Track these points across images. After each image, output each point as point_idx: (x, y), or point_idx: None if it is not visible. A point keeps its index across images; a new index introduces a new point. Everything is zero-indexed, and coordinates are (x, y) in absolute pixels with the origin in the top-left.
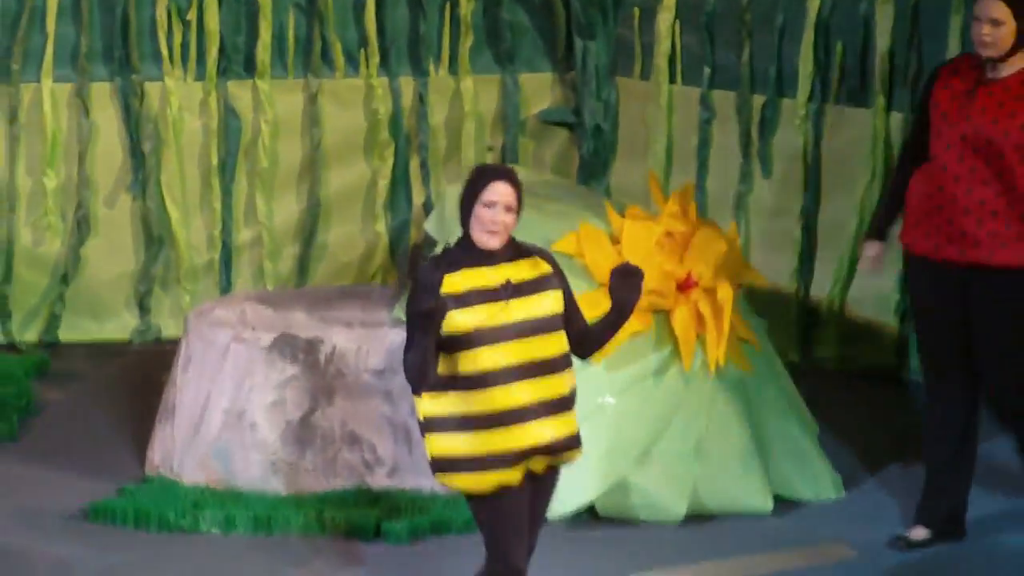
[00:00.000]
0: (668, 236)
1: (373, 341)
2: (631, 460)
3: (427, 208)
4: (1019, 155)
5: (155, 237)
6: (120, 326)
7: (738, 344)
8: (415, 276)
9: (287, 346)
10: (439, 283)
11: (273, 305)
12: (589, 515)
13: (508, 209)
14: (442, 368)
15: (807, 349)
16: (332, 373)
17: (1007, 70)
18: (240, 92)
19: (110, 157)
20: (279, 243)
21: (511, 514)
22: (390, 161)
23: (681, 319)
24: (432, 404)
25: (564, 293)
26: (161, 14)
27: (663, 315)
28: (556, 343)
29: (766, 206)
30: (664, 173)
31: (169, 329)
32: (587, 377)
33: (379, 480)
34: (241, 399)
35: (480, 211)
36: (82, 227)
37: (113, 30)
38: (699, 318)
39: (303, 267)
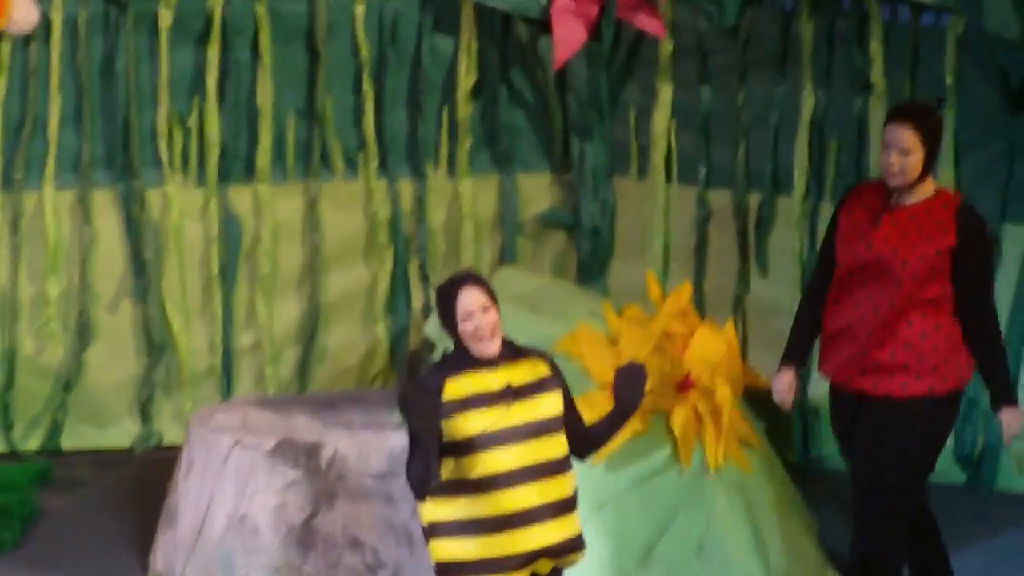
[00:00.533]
0: (666, 336)
1: (374, 445)
2: (634, 561)
3: (426, 311)
4: (917, 286)
5: (156, 343)
6: (122, 433)
7: (737, 444)
8: (415, 384)
9: (289, 450)
10: (440, 389)
11: (274, 409)
12: None
13: (486, 310)
14: (447, 473)
15: (806, 448)
16: (333, 477)
17: (912, 198)
18: (240, 197)
19: (111, 264)
20: (280, 347)
21: None
22: (389, 264)
23: (680, 419)
24: (437, 509)
25: (564, 393)
26: (162, 120)
27: (662, 416)
28: (558, 444)
29: (764, 305)
30: (662, 273)
31: (171, 435)
32: (588, 478)
33: None
34: (243, 504)
35: (464, 327)
36: (84, 334)
37: (114, 137)
38: (698, 418)
39: (304, 371)
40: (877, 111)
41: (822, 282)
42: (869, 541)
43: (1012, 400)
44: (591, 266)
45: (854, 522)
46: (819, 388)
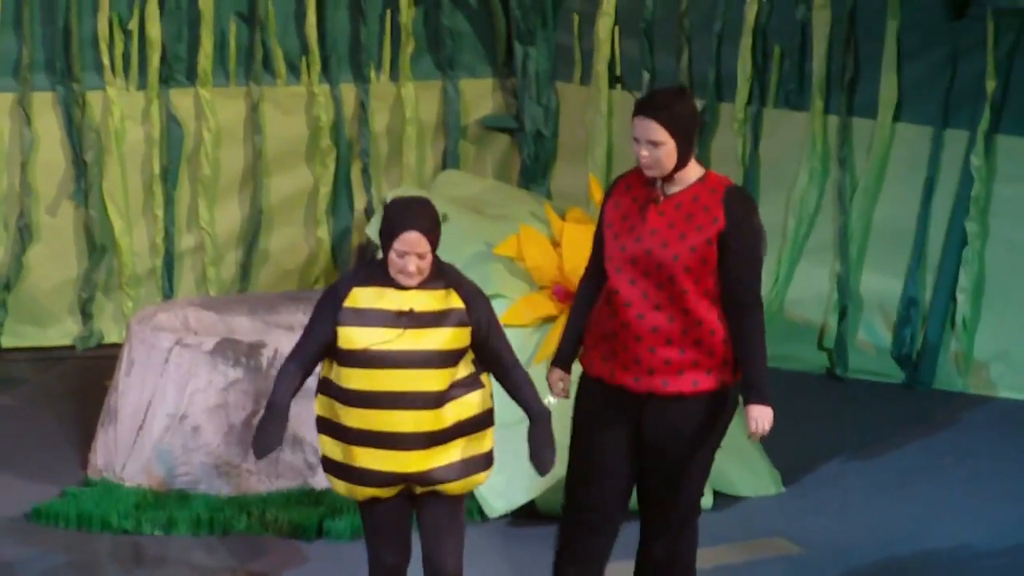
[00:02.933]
0: None
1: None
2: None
3: (368, 213)
4: (691, 279)
5: (97, 244)
6: (63, 332)
7: None
8: (331, 285)
9: (229, 350)
10: (345, 296)
11: (216, 310)
12: (530, 513)
13: (420, 256)
14: (330, 374)
15: None
16: (274, 377)
17: (677, 187)
18: (182, 101)
19: (52, 166)
20: (221, 249)
21: (381, 525)
22: (332, 167)
23: None
24: (319, 404)
25: (475, 328)
26: (103, 24)
27: None
28: (442, 378)
29: None
30: (604, 177)
31: (112, 335)
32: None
33: (321, 481)
34: (184, 403)
35: (393, 258)
36: (24, 235)
37: (55, 40)
38: None
39: (246, 273)
40: (821, 17)
41: (593, 279)
42: (669, 545)
43: (766, 399)
44: (534, 170)
45: (649, 530)
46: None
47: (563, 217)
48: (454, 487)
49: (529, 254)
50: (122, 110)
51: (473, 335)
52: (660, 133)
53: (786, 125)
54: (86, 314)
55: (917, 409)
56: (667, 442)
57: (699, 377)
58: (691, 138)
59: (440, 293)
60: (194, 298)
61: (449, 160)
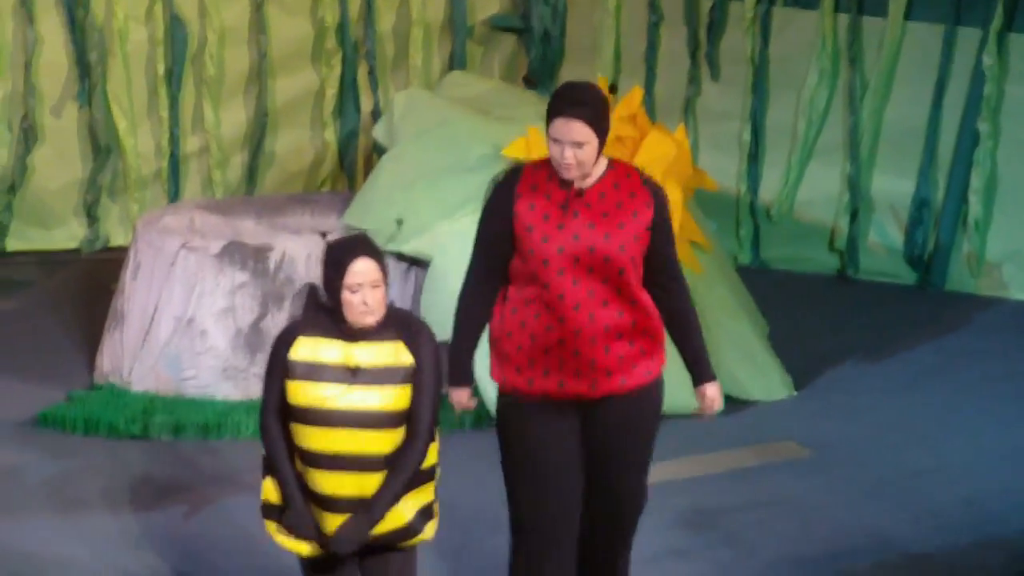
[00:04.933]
0: (617, 140)
1: (322, 247)
2: None
3: (375, 115)
4: (634, 266)
5: (102, 146)
6: (68, 235)
7: (688, 246)
8: (281, 331)
9: (236, 253)
10: (290, 344)
11: (222, 213)
12: None
13: (375, 286)
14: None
15: (756, 250)
16: (281, 280)
17: (592, 178)
18: (185, 0)
19: (56, 66)
20: (227, 152)
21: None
22: (338, 69)
23: None
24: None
25: (418, 392)
26: None
27: None
28: (388, 440)
29: (714, 109)
30: (613, 77)
31: (118, 237)
32: None
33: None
34: (191, 306)
35: (347, 297)
36: (29, 136)
37: None
38: None
39: (252, 175)
40: None
41: (485, 283)
42: (624, 551)
43: (714, 375)
44: (541, 70)
45: (600, 529)
46: (770, 190)
47: None
48: (404, 544)
49: (537, 156)
50: (125, 10)
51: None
52: (585, 132)
53: (796, 24)
54: (92, 217)
55: (929, 311)
56: (627, 437)
57: (649, 366)
58: (608, 131)
59: (390, 346)
60: (200, 200)
61: (456, 61)
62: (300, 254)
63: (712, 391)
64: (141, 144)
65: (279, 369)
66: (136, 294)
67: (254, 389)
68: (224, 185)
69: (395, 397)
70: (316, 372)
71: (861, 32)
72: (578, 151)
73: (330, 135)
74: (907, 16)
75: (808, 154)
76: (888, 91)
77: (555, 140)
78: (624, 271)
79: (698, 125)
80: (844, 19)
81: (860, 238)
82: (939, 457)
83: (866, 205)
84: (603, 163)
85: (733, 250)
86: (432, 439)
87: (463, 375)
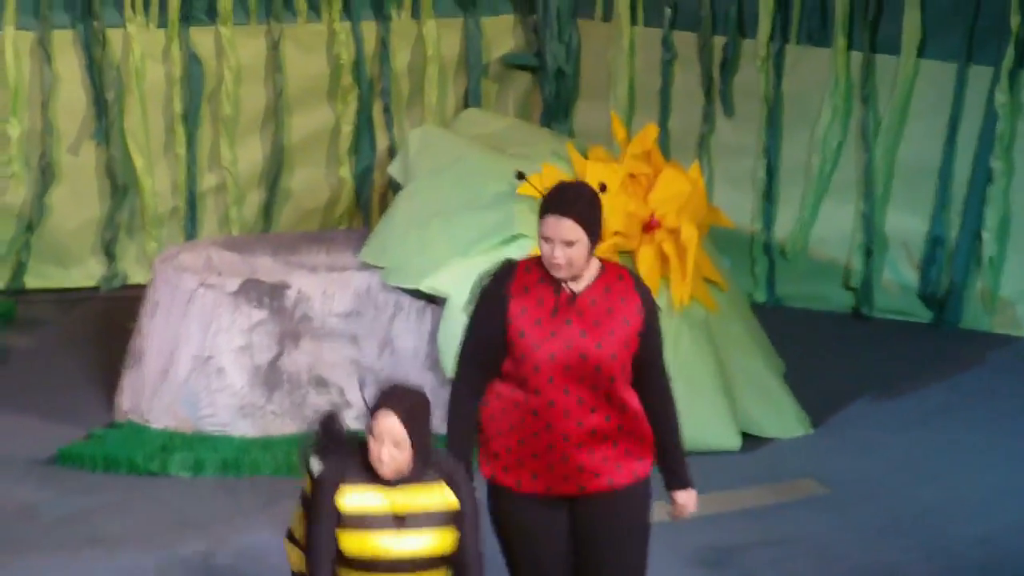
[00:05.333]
0: (632, 177)
1: (339, 285)
2: None
3: (391, 153)
4: (623, 373)
5: (120, 184)
6: (86, 273)
7: (703, 284)
8: (320, 476)
9: (253, 291)
10: (336, 488)
11: (239, 250)
12: None
13: (396, 445)
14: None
15: (772, 288)
16: (298, 317)
17: (584, 282)
18: (202, 39)
19: (73, 105)
20: (244, 189)
21: None
22: (353, 106)
23: (645, 259)
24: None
25: (462, 535)
26: None
27: (628, 256)
28: None
29: (728, 146)
30: (627, 114)
31: (135, 276)
32: None
33: (348, 423)
34: (208, 344)
35: (370, 441)
36: (46, 175)
37: None
38: (663, 258)
39: (268, 213)
40: None
41: (480, 370)
42: None
43: (690, 482)
44: (555, 108)
45: None
46: (785, 227)
47: (585, 155)
48: None
49: None
50: (142, 48)
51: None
52: (575, 231)
53: (809, 61)
54: (109, 255)
55: (943, 348)
56: (615, 535)
57: (636, 467)
58: (600, 232)
59: (431, 488)
60: (217, 238)
61: (470, 98)
62: (316, 291)
63: (684, 498)
64: (158, 182)
65: (329, 517)
66: (154, 332)
67: (271, 427)
68: (240, 222)
69: (441, 539)
70: (367, 522)
71: (874, 70)
72: (568, 250)
73: (345, 172)
74: (920, 54)
75: (822, 192)
76: (901, 128)
77: (545, 239)
78: (614, 379)
79: (712, 162)
80: (857, 57)
81: (874, 276)
82: (953, 494)
83: (880, 243)
84: (595, 265)
85: (748, 288)
86: (483, 573)
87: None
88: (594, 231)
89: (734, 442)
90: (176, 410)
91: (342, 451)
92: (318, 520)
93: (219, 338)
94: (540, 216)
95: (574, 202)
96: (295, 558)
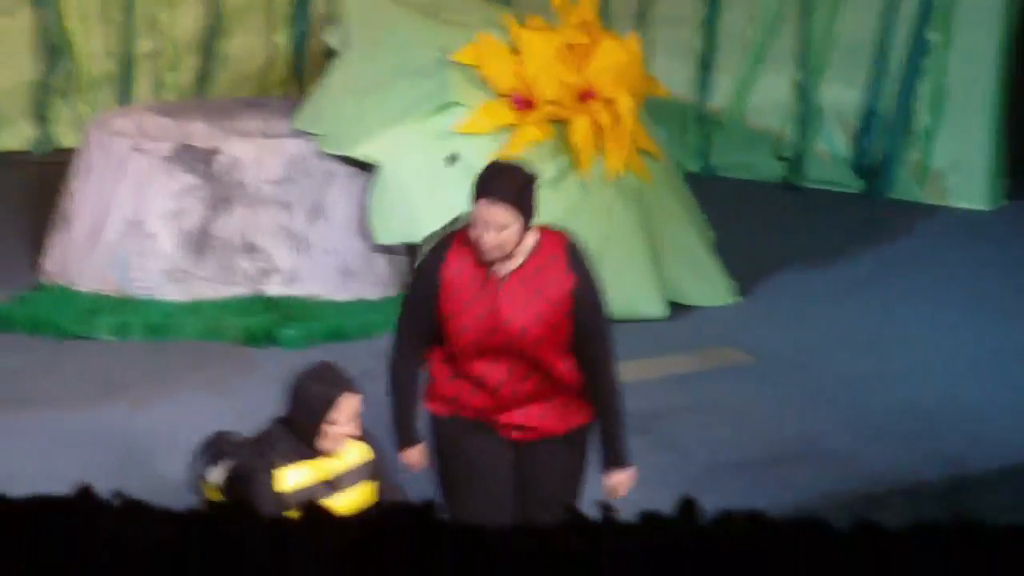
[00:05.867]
0: (569, 47)
1: (272, 151)
2: None
3: (327, 19)
4: (552, 348)
5: (54, 47)
6: (19, 136)
7: (638, 154)
8: (247, 472)
9: (186, 156)
10: (271, 479)
11: (172, 116)
12: None
13: (353, 418)
14: None
15: (706, 158)
16: (231, 183)
17: (515, 261)
18: None
19: None
20: (180, 54)
21: None
22: None
23: (580, 129)
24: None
25: (381, 481)
26: None
27: (562, 125)
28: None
29: (667, 16)
30: None
31: (68, 139)
32: None
33: (275, 288)
34: (139, 209)
35: (326, 428)
36: None
37: None
38: (598, 128)
39: (203, 78)
40: None
41: (418, 344)
42: None
43: (626, 462)
44: None
45: None
46: (722, 97)
47: (522, 25)
48: None
49: (487, 62)
50: None
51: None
52: (506, 216)
53: None
54: (42, 118)
55: (874, 219)
56: (556, 476)
57: (573, 418)
58: (533, 212)
59: (354, 447)
60: (151, 103)
61: None
62: (249, 157)
63: (618, 478)
64: (93, 46)
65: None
66: (85, 196)
67: (200, 291)
68: (176, 88)
69: (368, 493)
70: (307, 494)
71: None
72: (499, 234)
73: (282, 39)
74: None
75: (759, 62)
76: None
77: (478, 222)
78: (540, 355)
79: (651, 32)
80: None
81: (808, 147)
82: (879, 364)
83: (815, 114)
84: (530, 241)
85: (682, 157)
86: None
87: (410, 436)
88: (527, 213)
89: (662, 310)
90: (105, 274)
91: (244, 450)
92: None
93: (150, 203)
94: (473, 198)
95: (506, 186)
96: None
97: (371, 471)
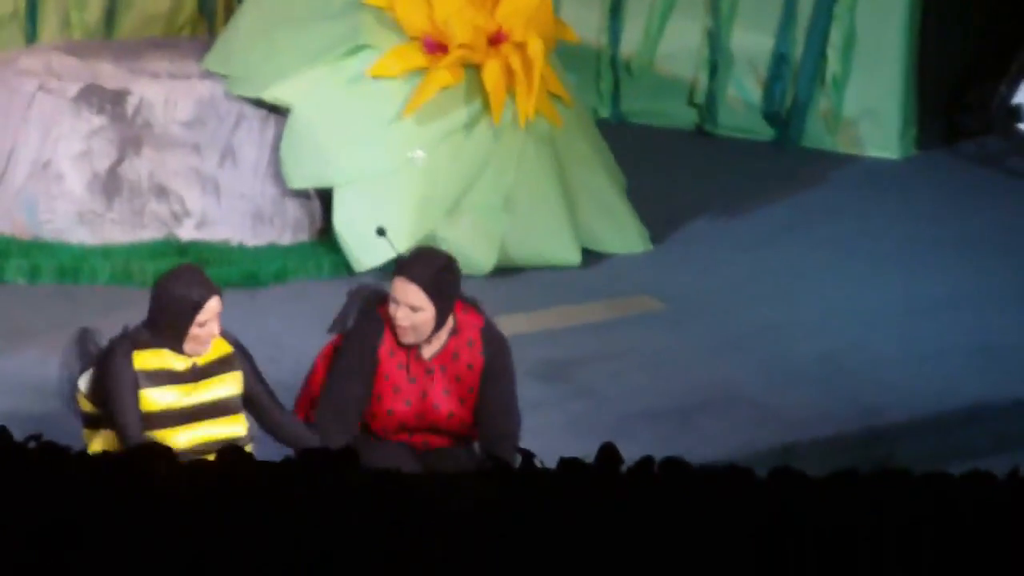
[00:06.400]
0: None
1: (181, 92)
2: (440, 214)
3: None
4: (464, 425)
5: None
6: None
7: (549, 99)
8: (105, 353)
9: (94, 97)
10: (131, 360)
11: (80, 55)
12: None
13: (216, 319)
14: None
15: (616, 104)
16: (140, 124)
17: (434, 346)
18: None
19: None
20: None
21: None
22: None
23: (491, 73)
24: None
25: (246, 375)
26: None
27: (473, 69)
28: (237, 422)
29: None
30: None
31: None
32: (396, 131)
33: (187, 232)
34: (47, 150)
35: (195, 331)
36: None
37: None
38: (509, 72)
39: (110, 18)
40: None
41: (357, 402)
42: None
43: (502, 461)
44: None
45: None
46: (631, 43)
47: None
48: None
49: (399, 4)
50: None
51: (245, 381)
52: (420, 298)
53: None
54: None
55: (785, 167)
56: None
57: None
58: (451, 304)
59: (215, 343)
60: (58, 43)
61: None
62: (158, 99)
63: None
64: None
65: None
66: None
67: (111, 234)
68: (82, 27)
69: (237, 381)
70: (160, 378)
71: None
72: (412, 315)
73: None
74: None
75: (668, 8)
76: None
77: (392, 299)
78: (454, 432)
79: None
80: None
81: (719, 93)
82: (793, 312)
83: (725, 60)
84: (448, 328)
85: (593, 103)
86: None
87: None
88: (442, 304)
89: (574, 257)
90: (13, 216)
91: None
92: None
93: (58, 144)
94: (393, 276)
95: (423, 270)
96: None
97: (237, 366)
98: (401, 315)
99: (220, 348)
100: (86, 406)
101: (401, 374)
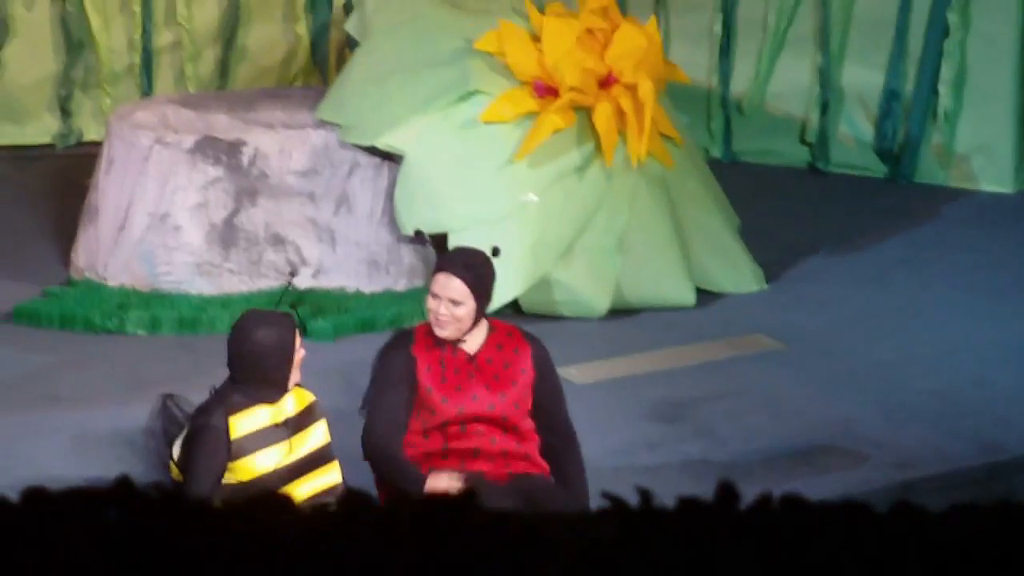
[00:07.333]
0: (589, 33)
1: (296, 142)
2: (554, 256)
3: (348, 9)
4: (524, 418)
5: (75, 40)
6: (42, 130)
7: (660, 140)
8: (198, 422)
9: (209, 148)
10: (226, 428)
11: (194, 108)
12: (513, 311)
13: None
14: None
15: (728, 143)
16: (255, 175)
17: (476, 342)
18: None
19: None
20: (199, 46)
21: None
22: None
23: (603, 115)
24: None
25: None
26: None
27: (585, 112)
28: (335, 469)
29: (685, 1)
30: None
31: (91, 132)
32: (509, 175)
33: (304, 280)
34: (164, 201)
35: (290, 373)
36: (0, 30)
37: None
38: (621, 114)
39: (224, 70)
40: None
41: (401, 415)
42: None
43: (573, 492)
44: None
45: None
46: (741, 82)
47: (542, 11)
48: None
49: (509, 49)
50: None
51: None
52: (463, 292)
53: None
54: (65, 111)
55: (898, 203)
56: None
57: (515, 465)
58: (488, 299)
59: (296, 393)
60: (173, 95)
61: None
62: (273, 149)
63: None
64: (114, 38)
65: (217, 463)
66: (110, 189)
67: (228, 284)
68: (196, 79)
69: (326, 430)
70: (260, 440)
71: None
72: (454, 309)
73: (302, 29)
74: None
75: (779, 47)
76: None
77: (434, 295)
78: (518, 427)
79: (669, 17)
80: None
81: (831, 130)
82: (908, 349)
83: (836, 97)
84: (483, 327)
85: (704, 143)
86: None
87: (423, 476)
88: (482, 296)
89: (689, 298)
90: (133, 268)
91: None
92: (207, 461)
93: (175, 196)
94: (433, 272)
95: (467, 266)
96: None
97: (322, 413)
98: (443, 309)
99: (303, 398)
100: (176, 474)
101: (437, 378)
